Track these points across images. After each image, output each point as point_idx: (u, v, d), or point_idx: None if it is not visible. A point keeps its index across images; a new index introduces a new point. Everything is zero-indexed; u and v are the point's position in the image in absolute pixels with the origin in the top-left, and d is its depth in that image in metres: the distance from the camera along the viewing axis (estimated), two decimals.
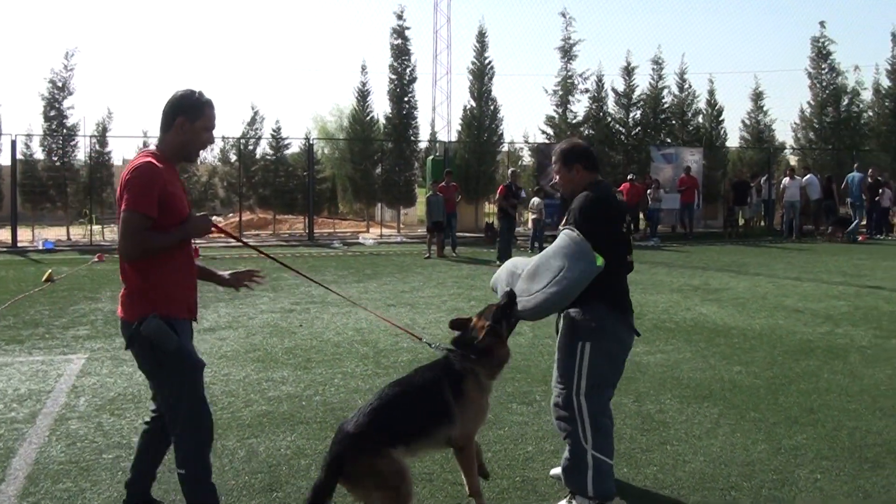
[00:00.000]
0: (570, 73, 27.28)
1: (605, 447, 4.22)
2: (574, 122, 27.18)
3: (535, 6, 66.22)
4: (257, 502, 4.41)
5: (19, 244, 20.72)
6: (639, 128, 27.82)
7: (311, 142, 25.29)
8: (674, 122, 28.11)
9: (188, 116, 3.77)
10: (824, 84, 28.99)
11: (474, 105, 26.59)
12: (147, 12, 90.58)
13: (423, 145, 27.71)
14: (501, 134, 27.07)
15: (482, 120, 26.40)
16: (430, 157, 24.65)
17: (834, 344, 8.47)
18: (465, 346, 4.17)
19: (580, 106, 27.76)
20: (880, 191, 24.13)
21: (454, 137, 27.13)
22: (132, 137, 33.91)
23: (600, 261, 4.00)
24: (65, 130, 22.75)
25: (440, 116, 29.57)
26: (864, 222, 24.25)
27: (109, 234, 23.74)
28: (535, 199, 20.52)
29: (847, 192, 23.98)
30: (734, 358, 7.85)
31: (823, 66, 28.99)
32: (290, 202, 25.67)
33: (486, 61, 26.72)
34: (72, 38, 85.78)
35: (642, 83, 28.11)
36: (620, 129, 27.82)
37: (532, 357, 7.66)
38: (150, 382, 3.91)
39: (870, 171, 24.40)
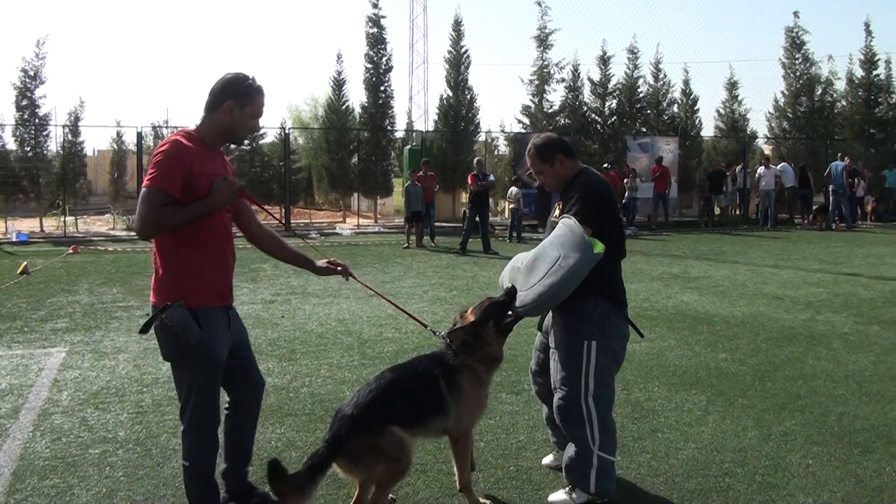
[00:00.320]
0: (545, 63, 27.29)
1: (611, 446, 4.21)
2: (550, 111, 27.21)
3: None
4: None
5: None
6: (614, 117, 27.88)
7: (286, 131, 25.08)
8: (649, 111, 28.21)
9: (238, 101, 3.69)
10: (798, 74, 29.21)
11: (451, 94, 26.51)
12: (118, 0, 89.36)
13: (399, 135, 27.60)
14: (478, 123, 27.05)
15: (459, 109, 26.34)
16: (408, 147, 24.56)
17: (816, 331, 8.54)
18: (455, 345, 4.14)
19: (556, 95, 27.82)
20: (854, 180, 24.36)
21: (431, 127, 27.05)
22: (105, 127, 33.55)
23: (599, 248, 3.91)
24: (37, 120, 22.35)
25: (417, 106, 29.52)
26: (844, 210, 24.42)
27: (83, 225, 23.44)
28: (513, 189, 20.53)
29: (830, 180, 24.14)
30: (718, 345, 7.88)
31: (797, 56, 29.22)
32: (266, 192, 25.47)
33: (463, 50, 26.66)
34: (43, 25, 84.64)
35: (618, 73, 28.27)
36: (596, 118, 27.86)
37: (518, 346, 7.64)
38: (172, 370, 3.81)
39: (846, 160, 24.65)
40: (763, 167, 24.71)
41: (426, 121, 28.01)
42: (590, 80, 27.64)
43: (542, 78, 27.19)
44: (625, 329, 4.31)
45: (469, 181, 18.06)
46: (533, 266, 4.03)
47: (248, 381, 4.05)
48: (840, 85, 30.02)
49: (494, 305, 4.15)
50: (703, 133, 29.10)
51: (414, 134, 26.92)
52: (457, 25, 26.64)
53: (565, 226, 4.02)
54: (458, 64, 26.55)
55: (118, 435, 5.28)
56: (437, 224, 20.03)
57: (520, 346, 7.66)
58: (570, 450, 4.23)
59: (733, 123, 29.27)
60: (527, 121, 27.28)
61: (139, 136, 22.38)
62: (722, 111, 29.61)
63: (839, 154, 25.36)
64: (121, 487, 4.42)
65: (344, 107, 26.41)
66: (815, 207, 24.58)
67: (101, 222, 24.63)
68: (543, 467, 4.73)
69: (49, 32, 65.59)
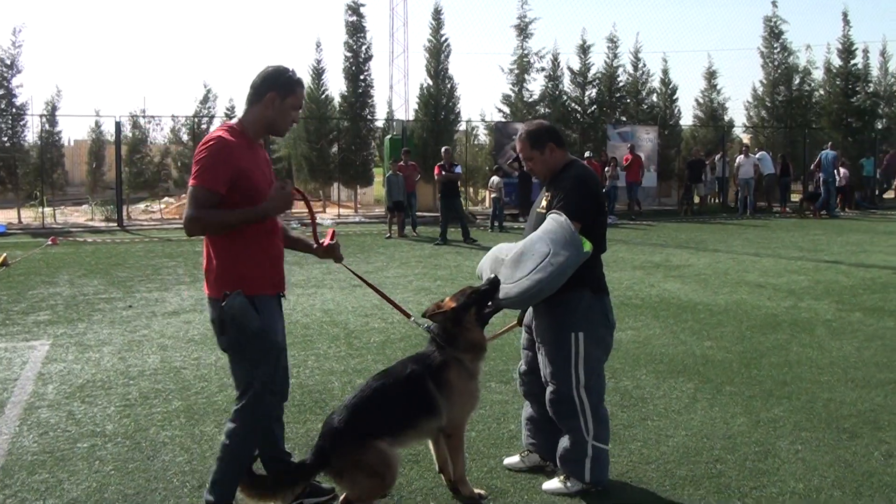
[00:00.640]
0: (525, 52, 27.24)
1: (604, 435, 4.22)
2: (530, 100, 27.19)
3: None
4: None
5: None
6: (594, 106, 27.92)
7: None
8: (629, 100, 28.26)
9: (279, 92, 3.71)
10: (776, 63, 29.36)
11: (431, 84, 26.40)
12: None
13: (379, 124, 27.47)
14: (459, 113, 26.93)
15: (439, 98, 26.23)
16: (388, 137, 24.46)
17: (799, 318, 8.61)
18: (436, 333, 4.12)
19: (536, 85, 27.88)
20: (835, 170, 24.55)
21: (411, 116, 26.93)
22: (83, 116, 33.16)
23: (588, 246, 3.93)
24: (14, 110, 22.06)
25: (397, 95, 29.42)
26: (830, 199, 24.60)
27: (61, 216, 23.19)
28: (495, 178, 20.51)
29: (820, 169, 24.29)
30: (703, 333, 7.93)
31: (776, 46, 29.34)
32: None
33: (443, 39, 26.53)
34: (19, 14, 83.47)
35: (597, 62, 28.22)
36: (576, 107, 27.89)
37: (506, 335, 7.63)
38: (229, 359, 3.79)
39: (836, 150, 24.91)
40: (742, 156, 24.87)
41: (407, 110, 27.89)
42: (570, 69, 27.70)
43: (522, 67, 27.17)
44: (610, 316, 4.31)
45: (435, 172, 17.93)
46: (519, 260, 4.00)
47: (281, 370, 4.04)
48: (818, 74, 30.35)
49: (476, 294, 4.12)
50: (682, 122, 29.24)
51: (394, 123, 26.81)
52: (437, 14, 26.51)
53: (555, 222, 3.99)
54: (438, 53, 26.44)
55: (106, 428, 5.23)
56: (418, 214, 19.97)
57: (509, 335, 7.66)
58: (565, 441, 4.23)
59: (712, 112, 29.39)
60: (507, 110, 27.27)
61: (118, 125, 22.16)
62: (701, 100, 29.72)
63: (829, 143, 25.56)
64: (111, 481, 4.38)
65: (323, 96, 26.23)
66: (805, 194, 24.61)
67: (79, 213, 24.37)
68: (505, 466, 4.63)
69: (25, 20, 64.76)
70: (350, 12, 25.99)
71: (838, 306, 9.24)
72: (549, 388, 4.25)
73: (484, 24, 72.13)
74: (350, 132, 25.82)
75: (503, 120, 26.45)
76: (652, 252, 14.88)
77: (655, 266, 12.84)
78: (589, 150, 24.24)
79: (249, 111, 3.77)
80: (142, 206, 25.96)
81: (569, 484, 4.21)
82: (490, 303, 4.10)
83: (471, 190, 28.64)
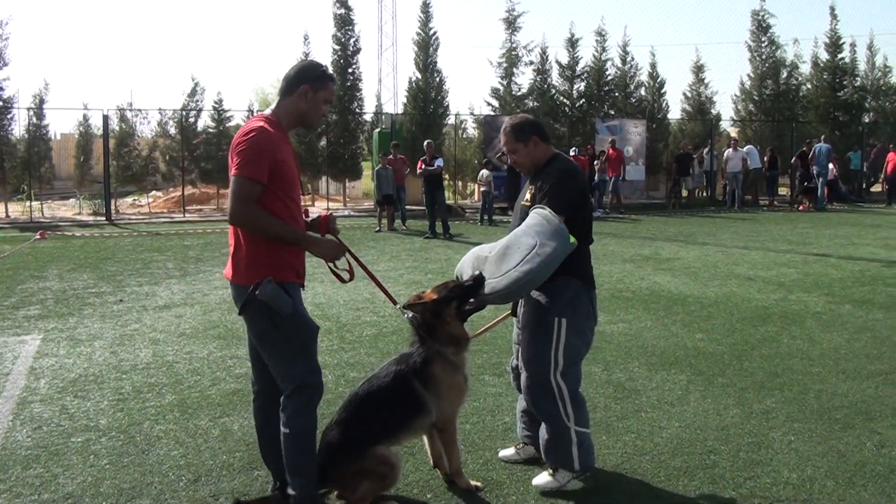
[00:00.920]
0: (514, 45, 27.26)
1: (584, 419, 4.21)
2: (519, 94, 27.19)
3: None
4: (239, 482, 4.31)
5: None
6: (583, 100, 27.94)
7: (254, 114, 24.78)
8: (617, 94, 28.28)
9: (313, 85, 3.76)
10: (764, 57, 29.45)
11: (420, 77, 26.37)
12: None
13: (368, 118, 27.40)
14: (447, 106, 26.92)
15: (428, 92, 26.20)
16: (377, 130, 24.42)
17: (789, 310, 8.66)
18: (418, 325, 4.13)
19: (525, 78, 27.86)
20: (829, 163, 24.63)
21: (400, 110, 26.88)
22: (70, 110, 33.02)
23: (572, 239, 3.93)
24: (1, 103, 21.89)
25: (386, 88, 29.36)
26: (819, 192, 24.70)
27: (48, 210, 23.05)
28: (484, 172, 20.53)
29: (814, 162, 24.38)
30: (694, 325, 7.97)
31: (763, 40, 29.43)
32: None
33: (431, 32, 26.51)
34: (5, 6, 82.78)
35: (586, 55, 28.25)
36: (565, 101, 27.93)
37: (498, 328, 7.64)
38: (260, 347, 3.78)
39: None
40: (731, 150, 24.96)
41: (395, 103, 27.82)
42: (558, 62, 27.70)
43: (511, 60, 27.17)
44: (593, 309, 4.29)
45: (418, 166, 17.97)
46: (505, 254, 3.99)
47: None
48: (805, 68, 30.47)
49: (459, 288, 4.12)
50: (670, 116, 29.31)
51: (383, 117, 26.75)
52: (425, 7, 26.45)
53: (540, 215, 3.99)
54: (426, 46, 26.41)
55: (100, 423, 5.21)
56: (408, 207, 19.95)
57: (501, 327, 7.68)
58: (546, 431, 4.20)
59: (700, 106, 29.45)
60: (496, 103, 27.27)
61: (105, 118, 22.03)
62: (689, 94, 29.78)
63: (822, 136, 25.66)
64: (106, 476, 4.37)
65: None
66: (802, 187, 24.65)
67: (66, 207, 24.24)
68: (500, 458, 4.65)
69: (12, 13, 64.25)
70: (338, 5, 25.93)
71: (828, 299, 9.30)
72: (526, 374, 4.22)
73: (472, 18, 72.08)
74: (339, 126, 25.74)
75: (492, 113, 26.46)
76: (641, 245, 14.92)
77: (645, 259, 12.88)
78: (576, 144, 24.18)
79: (282, 103, 3.81)
80: (129, 199, 25.84)
81: (558, 476, 4.20)
82: (472, 299, 4.10)
83: (459, 183, 28.64)
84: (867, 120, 30.88)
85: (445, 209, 17.78)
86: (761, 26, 29.37)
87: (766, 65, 29.40)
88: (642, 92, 28.59)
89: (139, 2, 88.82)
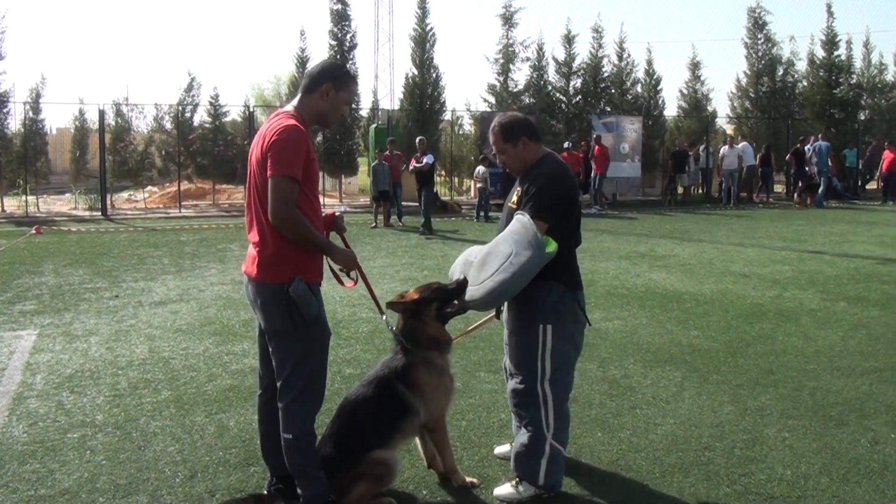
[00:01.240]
0: (510, 41, 27.27)
1: (564, 437, 4.12)
2: (515, 90, 27.21)
3: None
4: (235, 478, 4.32)
5: None
6: (579, 96, 27.95)
7: (251, 109, 24.82)
8: (613, 90, 28.28)
9: (336, 84, 3.76)
10: (760, 54, 29.49)
11: (416, 73, 26.37)
12: None
13: (364, 113, 27.38)
14: (444, 102, 26.95)
15: (424, 88, 26.20)
16: (374, 126, 24.39)
17: (784, 307, 8.69)
18: (398, 331, 4.15)
19: (521, 74, 27.82)
20: (829, 160, 24.65)
21: (397, 105, 26.88)
22: (67, 104, 32.94)
23: (552, 246, 3.87)
24: None
25: (383, 84, 29.18)
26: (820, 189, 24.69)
27: (44, 205, 23.00)
28: (480, 168, 20.53)
29: (815, 159, 24.40)
30: (689, 322, 7.99)
31: (759, 37, 29.47)
32: (230, 172, 25.20)
33: (428, 28, 26.52)
34: (0, 0, 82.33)
35: (582, 52, 28.25)
36: (561, 97, 27.92)
37: (493, 325, 7.66)
38: (273, 345, 3.76)
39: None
40: (727, 147, 24.99)
41: (392, 99, 27.82)
42: (554, 59, 27.71)
43: (507, 57, 27.17)
44: (582, 313, 4.20)
45: (411, 163, 17.99)
46: (485, 261, 3.97)
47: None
48: (801, 65, 30.50)
49: (441, 290, 4.13)
50: (666, 112, 29.32)
51: (380, 112, 26.75)
52: (422, 3, 26.44)
53: (519, 223, 3.94)
54: (423, 42, 26.40)
55: (96, 419, 5.22)
56: (404, 203, 19.95)
57: (495, 324, 7.69)
58: (523, 437, 4.11)
59: (696, 103, 29.50)
60: (492, 99, 27.26)
61: (101, 113, 21.95)
62: (685, 91, 29.84)
63: (819, 134, 25.69)
64: (103, 472, 4.38)
65: None
66: (802, 185, 24.66)
67: (62, 202, 24.21)
68: (496, 455, 4.65)
69: (8, 7, 64.08)
70: (335, 0, 25.87)
71: (823, 296, 9.33)
72: (514, 380, 4.17)
73: (469, 14, 72.02)
74: (335, 121, 25.63)
75: (488, 109, 26.44)
76: (637, 242, 14.94)
77: (641, 256, 12.89)
78: (570, 140, 24.15)
79: (304, 100, 3.79)
80: (125, 194, 25.81)
81: (521, 489, 4.09)
82: (455, 302, 4.11)
83: (456, 180, 28.64)
84: (863, 117, 30.93)
85: (429, 205, 17.68)
86: (757, 23, 29.41)
87: (763, 62, 29.45)
88: (638, 89, 28.63)
89: None
